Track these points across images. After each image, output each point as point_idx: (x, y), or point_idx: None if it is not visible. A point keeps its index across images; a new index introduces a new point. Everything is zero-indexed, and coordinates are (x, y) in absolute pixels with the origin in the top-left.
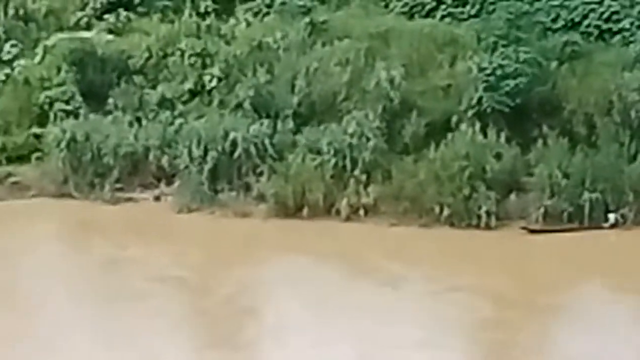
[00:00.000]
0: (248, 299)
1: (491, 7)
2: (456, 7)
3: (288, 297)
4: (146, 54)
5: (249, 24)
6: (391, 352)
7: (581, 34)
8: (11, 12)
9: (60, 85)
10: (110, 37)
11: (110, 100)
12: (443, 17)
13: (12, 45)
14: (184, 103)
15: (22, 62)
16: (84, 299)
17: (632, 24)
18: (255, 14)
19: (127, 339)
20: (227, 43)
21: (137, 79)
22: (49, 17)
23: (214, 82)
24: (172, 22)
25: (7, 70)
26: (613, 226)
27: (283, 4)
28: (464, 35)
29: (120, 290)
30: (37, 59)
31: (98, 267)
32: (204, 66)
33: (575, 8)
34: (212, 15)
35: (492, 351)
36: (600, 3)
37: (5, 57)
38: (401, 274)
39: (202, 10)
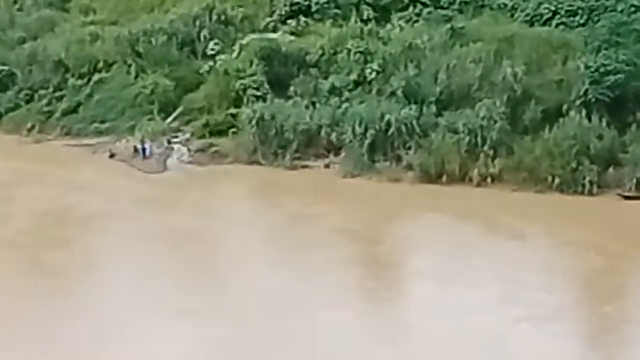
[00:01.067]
0: (407, 248)
1: (596, 18)
2: (568, 17)
3: (437, 247)
4: (320, 52)
5: (402, 29)
6: (524, 294)
7: None
8: (214, 17)
9: (252, 75)
10: (292, 37)
11: (291, 88)
12: (557, 25)
13: (215, 44)
14: (350, 91)
15: (222, 57)
16: (275, 245)
17: None
18: (407, 21)
19: (313, 277)
20: (384, 44)
21: (313, 71)
22: (244, 22)
23: (373, 75)
24: (340, 26)
25: (211, 63)
26: None
27: (429, 13)
28: (574, 40)
29: (306, 239)
30: (234, 54)
31: (286, 220)
32: (366, 62)
33: None
34: (373, 21)
35: (602, 293)
36: None
37: (210, 53)
38: (524, 230)
39: (365, 17)
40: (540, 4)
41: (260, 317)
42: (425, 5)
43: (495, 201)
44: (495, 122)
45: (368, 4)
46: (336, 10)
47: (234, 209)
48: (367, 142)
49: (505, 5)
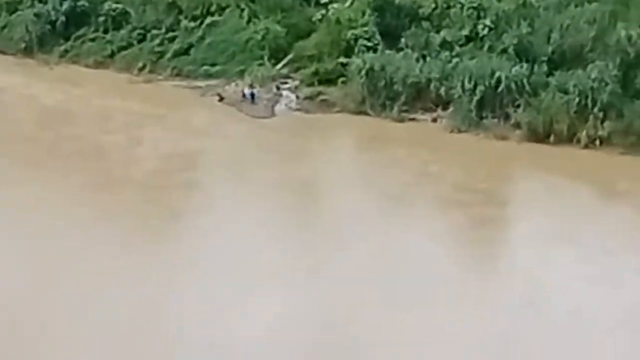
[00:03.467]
0: (535, 210)
1: None
2: None
3: (547, 210)
4: (433, 5)
5: None
6: None
7: None
8: None
9: (363, 25)
10: None
11: (402, 40)
12: None
13: None
14: (461, 46)
15: (335, 5)
16: (405, 202)
17: None
18: None
19: (447, 236)
20: (498, 0)
21: (425, 24)
22: None
23: (486, 31)
24: None
25: (323, 12)
26: None
27: None
28: None
29: (431, 196)
30: (347, 3)
31: (407, 175)
32: (479, 17)
33: None
34: None
35: None
36: None
37: (323, 1)
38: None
39: None
40: None
41: (394, 279)
42: None
43: (604, 163)
44: (607, 84)
45: None
46: None
47: (351, 161)
48: (475, 98)
49: None
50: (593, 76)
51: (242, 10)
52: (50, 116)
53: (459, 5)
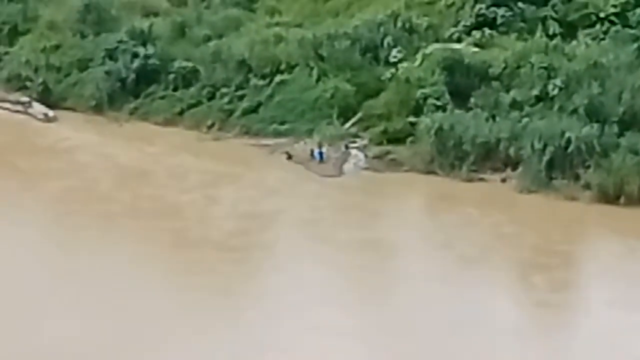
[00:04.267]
0: (593, 272)
1: None
2: None
3: (625, 274)
4: (503, 65)
5: (587, 46)
6: None
7: None
8: (399, 25)
9: (433, 85)
10: (475, 49)
11: (472, 100)
12: None
13: (398, 51)
14: (531, 106)
15: (404, 64)
16: (484, 264)
17: None
18: (594, 39)
19: (526, 301)
20: (569, 60)
21: (495, 84)
22: (429, 31)
23: (556, 91)
24: (525, 40)
25: (393, 71)
26: None
27: (617, 32)
28: None
29: (507, 260)
30: (417, 63)
31: (484, 237)
32: (549, 77)
33: None
34: (559, 37)
35: None
36: None
37: (392, 60)
38: None
39: (550, 32)
40: None
41: (473, 342)
42: (613, 23)
43: None
44: None
45: (555, 19)
46: (522, 24)
47: (423, 221)
48: (545, 158)
49: None
50: None
51: (312, 68)
52: (126, 175)
53: (529, 65)
